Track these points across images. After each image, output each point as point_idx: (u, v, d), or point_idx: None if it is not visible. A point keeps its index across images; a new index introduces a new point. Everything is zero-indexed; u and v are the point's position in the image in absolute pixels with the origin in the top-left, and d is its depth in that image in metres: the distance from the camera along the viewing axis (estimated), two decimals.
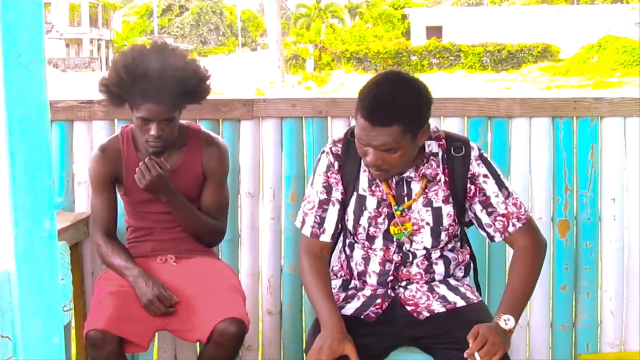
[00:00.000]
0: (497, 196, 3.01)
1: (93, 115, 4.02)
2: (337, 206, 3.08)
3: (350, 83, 31.62)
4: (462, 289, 3.13)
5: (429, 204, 3.02)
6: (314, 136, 3.96)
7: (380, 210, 3.03)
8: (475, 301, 3.12)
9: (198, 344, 3.90)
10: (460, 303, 3.07)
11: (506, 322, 2.81)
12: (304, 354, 3.32)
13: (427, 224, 3.03)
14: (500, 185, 3.03)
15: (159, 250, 3.57)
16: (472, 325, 2.83)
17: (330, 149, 3.10)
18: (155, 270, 3.47)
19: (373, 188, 3.03)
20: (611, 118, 3.94)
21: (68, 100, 4.05)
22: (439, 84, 28.24)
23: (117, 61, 3.41)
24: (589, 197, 3.95)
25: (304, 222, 3.13)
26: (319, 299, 2.96)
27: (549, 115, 3.94)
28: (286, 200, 4.00)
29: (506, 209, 3.02)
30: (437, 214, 3.02)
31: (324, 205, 3.08)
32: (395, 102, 2.76)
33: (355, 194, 3.06)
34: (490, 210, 3.02)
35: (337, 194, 3.08)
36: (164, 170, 3.37)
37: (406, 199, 3.02)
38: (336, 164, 3.07)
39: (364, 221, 3.05)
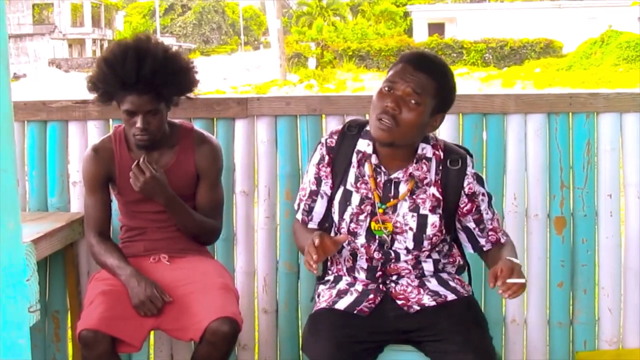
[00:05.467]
0: (487, 214, 3.12)
1: (87, 115, 4.02)
2: (325, 199, 3.14)
3: (351, 80, 31.61)
4: (452, 283, 3.16)
5: (415, 209, 3.03)
6: (308, 134, 3.95)
7: (362, 207, 3.05)
8: (465, 295, 3.14)
9: (192, 343, 3.89)
10: (450, 297, 3.10)
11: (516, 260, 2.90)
12: (300, 352, 3.32)
13: (410, 229, 3.04)
14: (489, 203, 3.14)
15: (152, 249, 3.56)
16: (458, 318, 2.94)
17: (325, 140, 3.14)
18: (148, 270, 3.46)
19: (358, 184, 3.05)
20: (607, 114, 3.92)
21: (62, 100, 4.05)
22: None
23: (100, 56, 3.45)
24: (585, 193, 3.93)
25: (298, 207, 3.23)
26: (303, 239, 3.07)
27: (544, 111, 3.92)
28: (281, 199, 3.99)
29: (491, 224, 3.14)
30: (422, 221, 3.03)
31: (313, 195, 3.16)
32: (440, 63, 3.00)
33: (342, 187, 3.08)
34: (481, 226, 3.12)
35: (325, 187, 3.13)
36: (157, 171, 3.37)
37: (392, 198, 3.04)
38: (326, 158, 3.11)
39: (346, 216, 3.07)
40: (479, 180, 3.11)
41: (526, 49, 48.68)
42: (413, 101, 2.84)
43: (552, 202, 3.94)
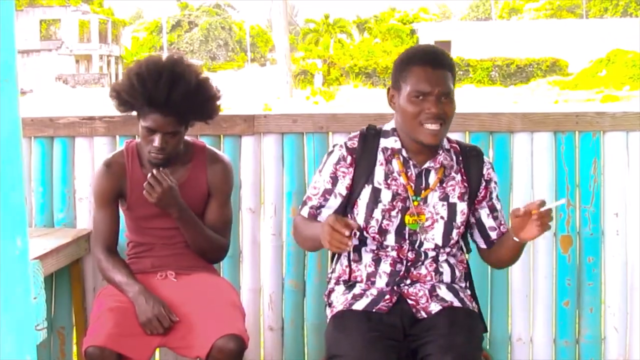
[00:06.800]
0: (497, 203, 3.24)
1: (94, 131, 4.03)
2: (339, 199, 3.17)
3: (358, 98, 31.63)
4: (462, 294, 3.19)
5: (445, 198, 3.12)
6: (314, 151, 3.96)
7: (394, 203, 3.10)
8: (470, 307, 3.18)
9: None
10: (456, 304, 3.13)
11: None
12: None
13: (442, 217, 3.12)
14: (497, 196, 3.25)
15: (159, 266, 3.56)
16: (460, 325, 3.00)
17: (345, 143, 3.18)
18: (155, 286, 3.46)
19: (389, 181, 3.10)
20: (613, 132, 3.93)
21: (69, 116, 4.06)
22: None
23: (132, 68, 3.45)
24: (591, 212, 3.93)
25: (304, 204, 3.25)
26: (313, 226, 3.06)
27: (551, 130, 3.93)
28: (287, 216, 3.99)
29: (502, 214, 3.25)
30: (452, 209, 3.12)
31: (326, 194, 3.17)
32: (444, 52, 3.10)
33: (370, 186, 3.11)
34: (494, 215, 3.21)
35: (341, 187, 3.15)
36: (172, 182, 3.37)
37: (423, 190, 3.11)
38: (349, 158, 3.14)
39: (377, 213, 3.10)
40: (493, 168, 3.26)
41: (532, 68, 48.75)
42: (444, 98, 2.98)
43: (558, 220, 3.94)
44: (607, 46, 45.04)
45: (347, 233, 2.69)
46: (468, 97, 29.71)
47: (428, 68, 2.97)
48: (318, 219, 3.17)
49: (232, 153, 3.97)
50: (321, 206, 3.18)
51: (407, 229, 3.10)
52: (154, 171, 3.37)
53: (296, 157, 3.99)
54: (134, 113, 3.46)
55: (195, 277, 3.54)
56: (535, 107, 26.33)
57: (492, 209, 3.21)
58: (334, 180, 3.15)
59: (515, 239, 2.98)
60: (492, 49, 51.56)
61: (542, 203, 2.86)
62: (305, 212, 3.21)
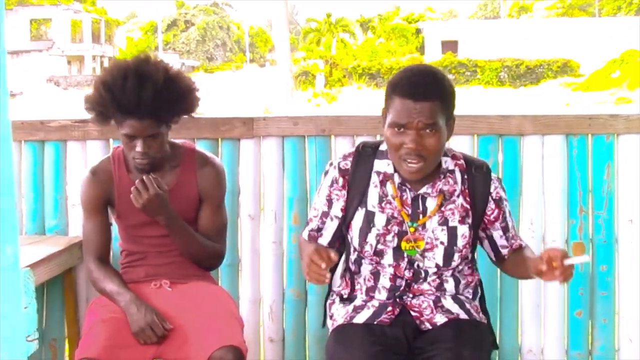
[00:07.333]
0: (510, 221, 3.19)
1: (87, 135, 4.03)
2: (335, 222, 3.16)
3: (361, 100, 31.63)
4: (468, 305, 3.16)
5: (444, 222, 3.07)
6: (316, 155, 3.96)
7: (389, 227, 3.06)
8: (478, 319, 3.15)
9: None
10: (463, 316, 3.11)
11: None
12: None
13: (441, 243, 3.07)
14: (509, 212, 3.21)
15: (153, 274, 3.55)
16: (467, 337, 2.97)
17: (339, 163, 3.15)
18: (149, 296, 3.45)
19: (383, 204, 3.07)
20: (627, 135, 3.92)
21: (61, 119, 4.06)
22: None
23: (98, 77, 3.44)
24: (605, 219, 3.93)
25: (306, 225, 3.26)
26: (307, 246, 3.03)
27: (562, 133, 3.92)
28: (288, 223, 3.99)
29: (513, 230, 3.20)
30: (452, 233, 3.07)
31: (324, 217, 3.18)
32: (434, 77, 2.96)
33: (363, 209, 3.09)
34: (507, 235, 3.17)
35: (335, 210, 3.15)
36: (162, 189, 3.37)
37: (421, 215, 3.06)
38: (340, 180, 3.12)
39: (371, 238, 3.08)
40: (502, 184, 3.19)
41: (542, 68, 48.74)
42: (429, 130, 2.87)
43: (570, 227, 3.94)
44: (620, 46, 45.08)
45: (323, 266, 2.69)
46: (476, 99, 29.72)
47: (408, 100, 2.87)
48: (319, 241, 3.18)
49: (231, 157, 3.98)
50: (320, 229, 3.19)
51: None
52: (144, 177, 3.37)
53: (297, 162, 3.99)
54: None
55: (191, 286, 3.53)
56: (546, 109, 26.34)
57: (505, 230, 3.16)
58: (330, 202, 3.16)
59: (533, 275, 2.95)
60: (501, 49, 51.61)
61: (565, 255, 2.78)
62: (305, 234, 3.22)
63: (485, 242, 3.21)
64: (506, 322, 3.96)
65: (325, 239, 3.18)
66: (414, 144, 2.86)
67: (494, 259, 3.24)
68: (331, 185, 3.14)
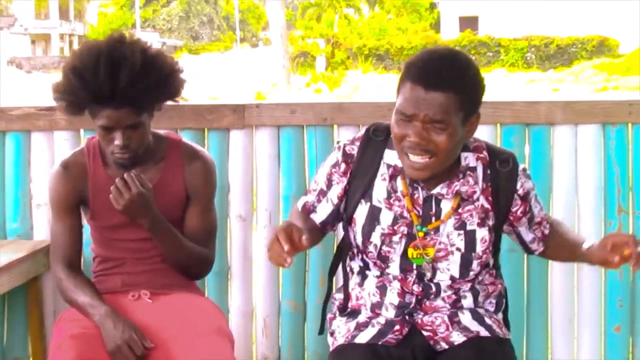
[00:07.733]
0: (535, 207, 3.16)
1: (54, 125, 4.03)
2: (330, 205, 3.16)
3: (368, 85, 31.61)
4: (489, 320, 3.12)
5: (461, 226, 3.03)
6: (316, 148, 3.96)
7: (395, 227, 3.03)
8: (500, 335, 3.10)
9: None
10: (484, 333, 3.06)
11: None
12: None
13: (458, 249, 3.03)
14: (536, 197, 3.18)
15: (131, 284, 3.54)
16: (489, 356, 2.95)
17: (344, 145, 3.13)
18: (127, 309, 3.44)
19: (391, 200, 3.03)
20: None
21: (24, 106, 4.05)
22: None
23: (67, 62, 3.41)
24: None
25: (304, 195, 3.28)
26: (292, 218, 3.10)
27: (599, 122, 3.92)
28: None
29: (541, 210, 3.20)
30: (470, 238, 3.03)
31: (321, 195, 3.17)
32: (454, 66, 2.86)
33: (367, 203, 3.06)
34: (534, 227, 3.17)
35: (333, 194, 3.14)
36: (146, 188, 3.36)
37: (433, 218, 3.02)
38: (343, 165, 3.11)
39: (375, 237, 3.05)
40: (527, 175, 3.14)
41: (575, 48, 48.66)
42: (437, 126, 2.81)
43: (607, 229, 3.94)
44: None
45: (286, 248, 2.68)
46: (499, 83, 29.70)
47: (419, 87, 2.80)
48: (312, 216, 3.18)
49: (219, 150, 3.98)
50: (316, 206, 3.18)
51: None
52: (125, 174, 3.35)
53: (295, 155, 3.99)
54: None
55: (174, 297, 3.53)
56: (580, 94, 26.32)
57: (531, 219, 3.14)
58: (329, 183, 3.14)
59: (587, 262, 2.96)
60: (528, 26, 51.51)
61: (634, 239, 2.76)
62: (301, 204, 3.22)
63: (513, 236, 3.21)
64: (534, 338, 3.97)
65: (318, 217, 3.17)
66: (417, 137, 2.81)
67: (523, 251, 3.27)
68: (333, 167, 3.13)
